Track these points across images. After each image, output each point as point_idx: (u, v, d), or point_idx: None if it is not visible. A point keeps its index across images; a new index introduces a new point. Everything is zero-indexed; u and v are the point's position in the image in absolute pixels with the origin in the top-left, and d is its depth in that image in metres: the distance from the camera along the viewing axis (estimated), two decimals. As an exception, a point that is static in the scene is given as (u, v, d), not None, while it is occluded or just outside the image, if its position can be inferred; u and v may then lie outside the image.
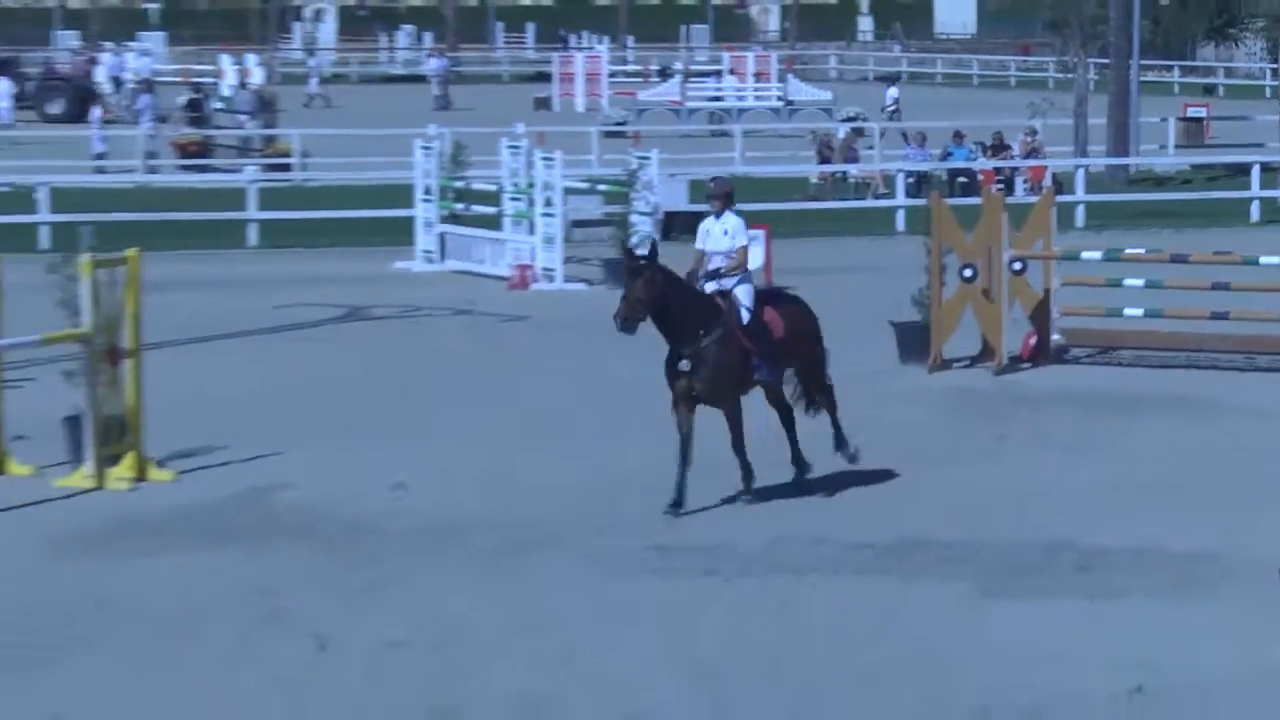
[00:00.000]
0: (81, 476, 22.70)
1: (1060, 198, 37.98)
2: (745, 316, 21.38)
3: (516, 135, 41.52)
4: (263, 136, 62.68)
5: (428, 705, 15.59)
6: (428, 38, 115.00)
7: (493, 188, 41.42)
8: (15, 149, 59.46)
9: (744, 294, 21.49)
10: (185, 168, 57.87)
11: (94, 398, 22.74)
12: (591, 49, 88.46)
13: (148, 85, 71.17)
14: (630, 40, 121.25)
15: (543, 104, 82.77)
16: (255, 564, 19.59)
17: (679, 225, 41.62)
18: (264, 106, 66.69)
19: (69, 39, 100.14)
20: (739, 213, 21.94)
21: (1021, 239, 30.00)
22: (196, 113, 65.78)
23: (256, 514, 21.55)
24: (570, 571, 19.45)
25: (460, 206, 41.93)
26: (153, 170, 56.99)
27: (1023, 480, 22.78)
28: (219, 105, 69.36)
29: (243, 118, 66.26)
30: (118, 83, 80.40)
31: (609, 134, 62.70)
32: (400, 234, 42.69)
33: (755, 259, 23.39)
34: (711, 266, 21.45)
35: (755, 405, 22.12)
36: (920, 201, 39.75)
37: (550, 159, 39.57)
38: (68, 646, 17.01)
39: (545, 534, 20.68)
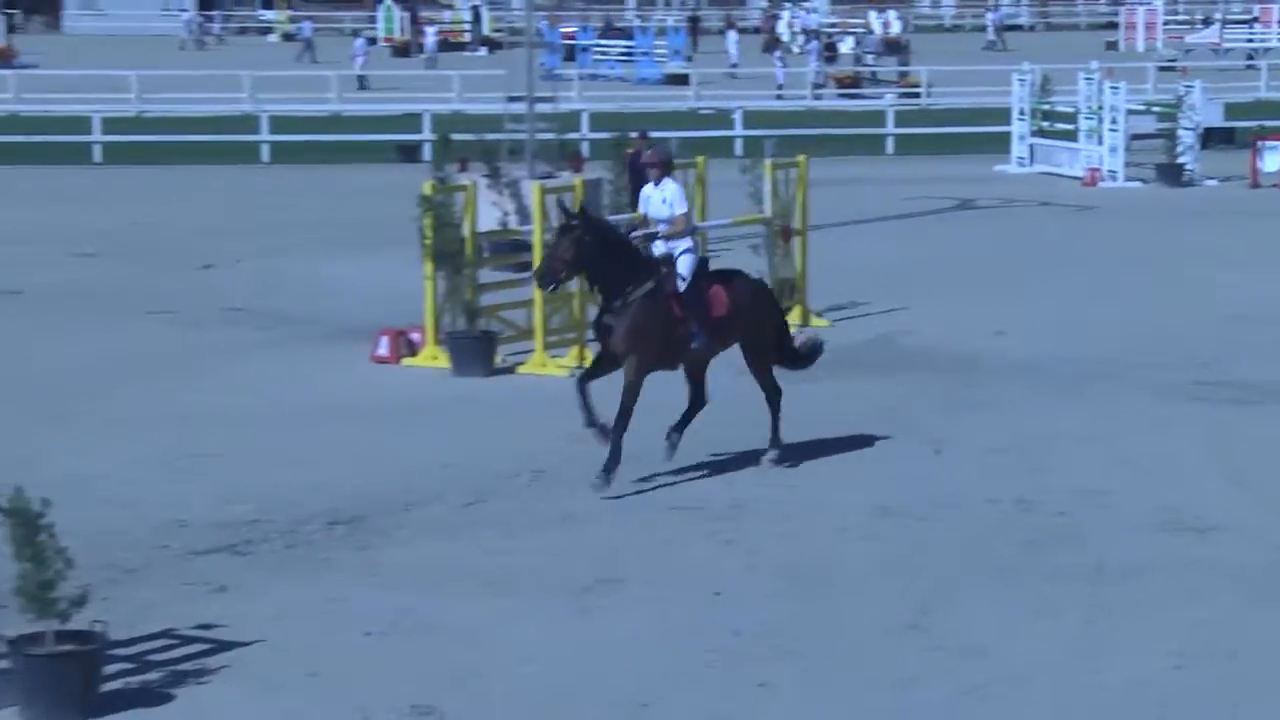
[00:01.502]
0: (763, 322, 23.05)
1: None
2: (681, 284, 15.90)
3: (1091, 70, 41.06)
4: (898, 72, 62.64)
5: (1015, 498, 15.51)
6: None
7: (1071, 109, 41.13)
8: (727, 82, 60.21)
9: (684, 264, 16.00)
10: (841, 95, 58.26)
11: (772, 265, 23.07)
12: (1149, 3, 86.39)
13: (815, 34, 71.60)
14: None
15: (1111, 46, 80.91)
16: (886, 388, 19.63)
17: (1216, 138, 41.55)
18: (892, 49, 67.11)
19: (758, 0, 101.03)
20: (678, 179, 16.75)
21: None
22: (831, 54, 66.44)
23: (887, 352, 21.60)
24: (1127, 396, 19.14)
25: (1046, 123, 41.82)
26: (818, 98, 57.48)
27: None
28: (854, 48, 69.46)
29: (869, 58, 66.70)
30: (796, 31, 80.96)
31: (1162, 69, 61.10)
32: (998, 144, 42.50)
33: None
34: (659, 238, 16.21)
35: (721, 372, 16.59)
36: None
37: (1116, 87, 39.37)
38: (766, 439, 17.29)
39: (1107, 368, 20.39)
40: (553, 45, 63.59)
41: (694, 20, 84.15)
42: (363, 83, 60.04)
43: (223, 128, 46.94)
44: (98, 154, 44.41)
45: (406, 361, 20.91)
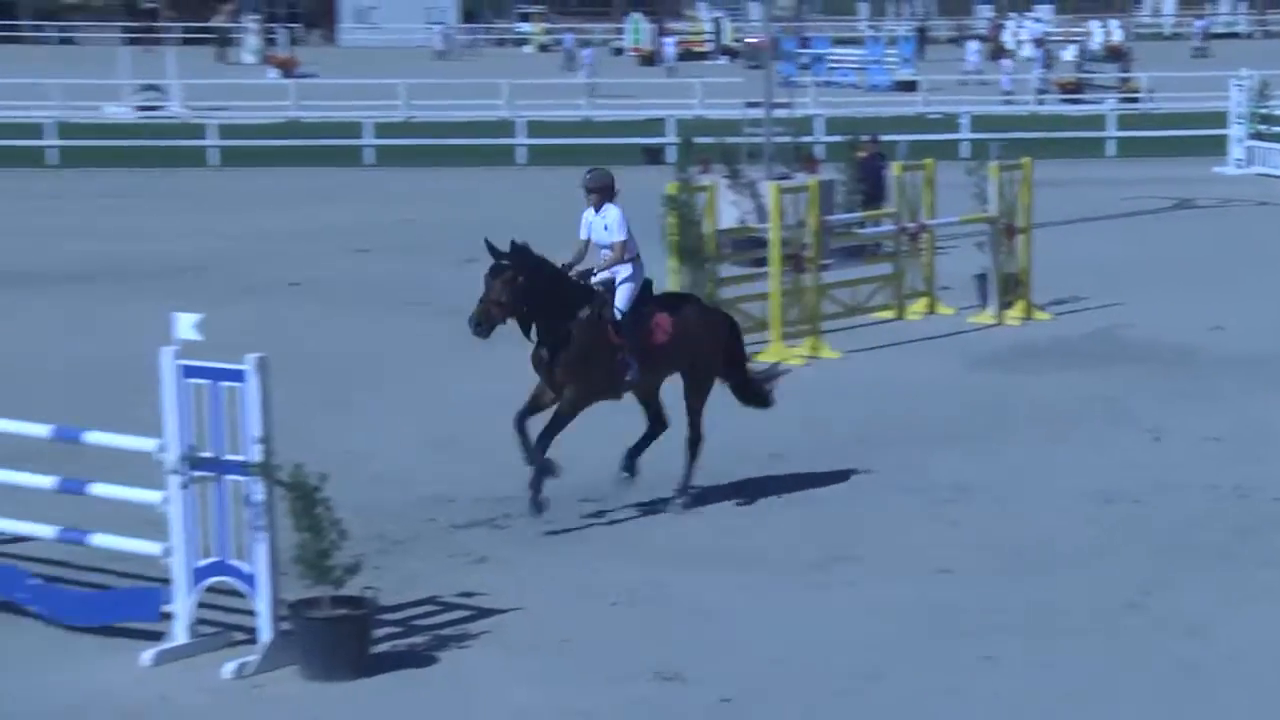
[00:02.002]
0: (987, 316, 22.82)
1: None
2: (617, 314, 14.32)
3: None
4: (1119, 78, 61.70)
5: (1232, 485, 15.22)
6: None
7: (1287, 113, 40.40)
8: (954, 88, 59.69)
9: (622, 293, 14.39)
10: (1064, 100, 57.55)
11: (996, 261, 22.86)
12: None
13: (1039, 42, 70.72)
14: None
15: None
16: (1105, 379, 19.35)
17: None
18: (1113, 56, 66.11)
19: (984, 10, 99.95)
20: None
21: None
22: (1053, 61, 65.68)
23: (1107, 345, 21.28)
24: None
25: (1264, 126, 40.94)
26: (1041, 103, 56.80)
27: None
28: (1076, 56, 68.45)
29: (1093, 65, 65.73)
30: (1022, 39, 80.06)
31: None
32: (1216, 147, 41.69)
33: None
34: (596, 270, 14.54)
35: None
36: None
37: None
38: (991, 427, 17.17)
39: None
40: (790, 54, 63.47)
41: (922, 30, 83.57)
42: (589, 90, 60.18)
43: (482, 132, 47.46)
44: (369, 156, 45.11)
45: (652, 350, 20.98)
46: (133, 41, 76.97)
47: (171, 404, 11.07)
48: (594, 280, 14.41)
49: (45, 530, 12.00)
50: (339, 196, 37.87)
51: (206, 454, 11.02)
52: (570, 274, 14.32)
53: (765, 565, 13.14)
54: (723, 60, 75.51)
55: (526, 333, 14.08)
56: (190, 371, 11.06)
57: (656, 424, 14.81)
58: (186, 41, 79.83)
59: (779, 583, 12.74)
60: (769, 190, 21.85)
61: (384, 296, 24.64)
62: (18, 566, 12.23)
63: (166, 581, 11.28)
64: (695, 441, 14.72)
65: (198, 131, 46.14)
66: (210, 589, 11.23)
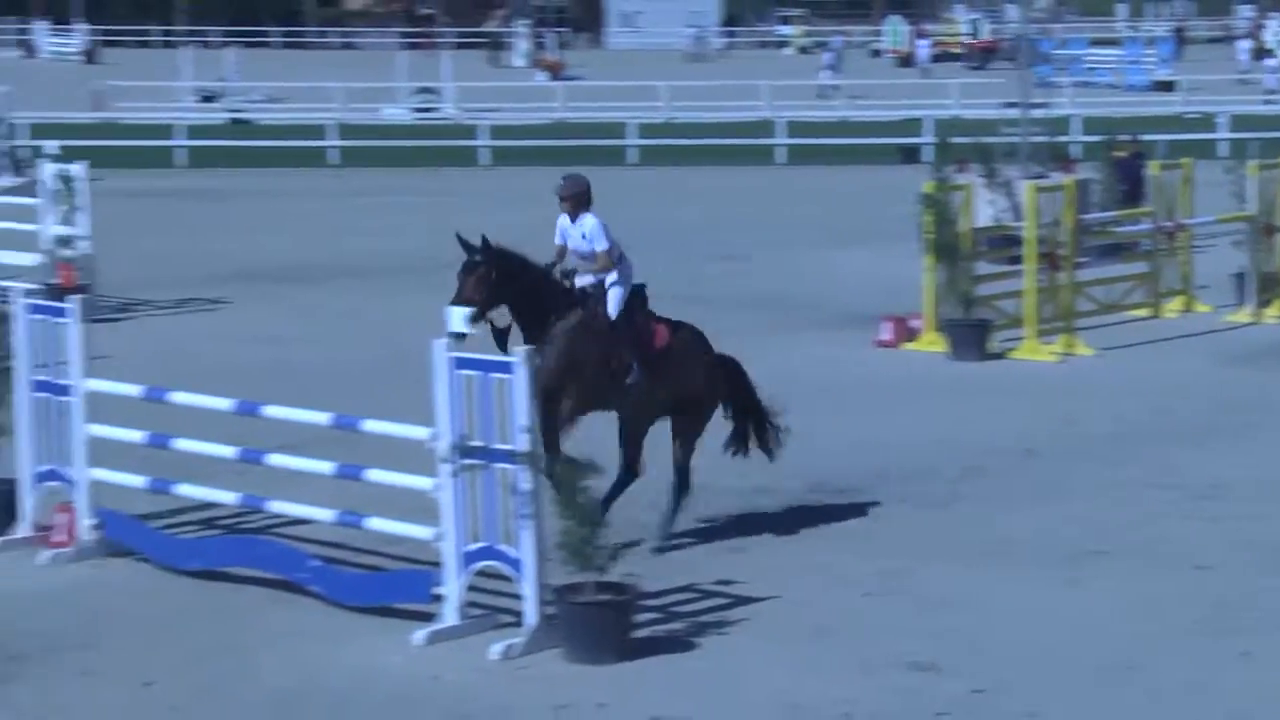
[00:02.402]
0: (1244, 315, 22.33)
1: None
2: (614, 311, 13.15)
3: None
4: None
5: None
6: None
7: None
8: (1212, 87, 58.49)
9: (613, 296, 13.19)
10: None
11: (1254, 260, 22.36)
12: None
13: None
14: None
15: None
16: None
17: None
18: None
19: (1245, 10, 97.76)
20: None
21: None
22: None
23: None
24: None
25: None
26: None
27: None
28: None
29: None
30: None
31: None
32: None
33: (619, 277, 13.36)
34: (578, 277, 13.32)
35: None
36: None
37: None
38: (1247, 424, 16.79)
39: None
40: (1046, 54, 62.58)
41: (1180, 30, 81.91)
42: (826, 92, 59.76)
43: (742, 132, 47.48)
44: (633, 156, 45.38)
45: (906, 346, 20.85)
46: (410, 46, 78.28)
47: (443, 395, 11.22)
48: (580, 284, 13.20)
49: (324, 514, 12.23)
50: (603, 194, 38.06)
51: (476, 443, 11.15)
52: (555, 272, 13.16)
53: (1017, 558, 12.96)
54: (1008, 62, 74.78)
55: (502, 344, 12.60)
56: (461, 363, 11.19)
57: (631, 468, 13.34)
58: (460, 46, 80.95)
59: (1031, 575, 12.55)
60: (1025, 189, 21.60)
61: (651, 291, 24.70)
62: (299, 548, 12.49)
63: (437, 565, 11.43)
64: (683, 483, 13.35)
65: (469, 132, 46.77)
66: (478, 573, 11.36)
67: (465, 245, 12.74)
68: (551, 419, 12.58)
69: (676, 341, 13.39)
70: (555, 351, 12.73)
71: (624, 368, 13.04)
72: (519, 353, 11.00)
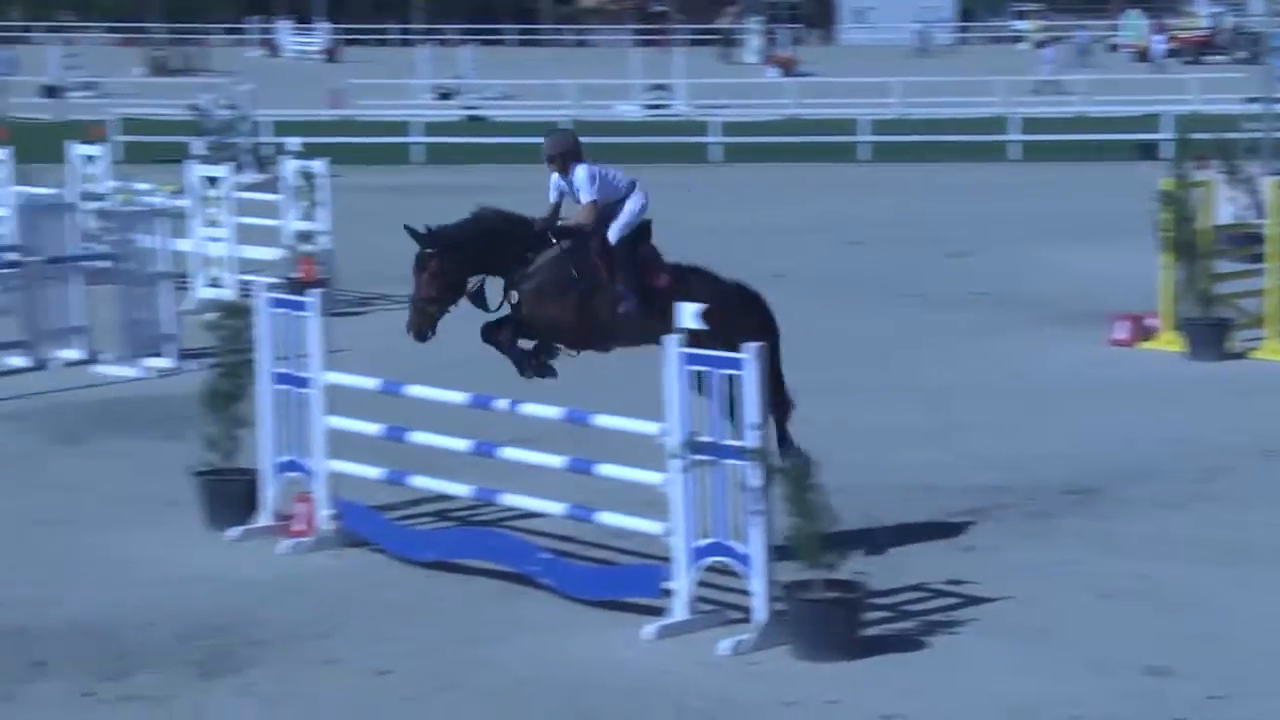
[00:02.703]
0: None
1: None
2: (614, 235, 12.38)
3: None
4: None
5: None
6: None
7: None
8: None
9: (619, 221, 12.45)
10: None
11: None
12: None
13: None
14: None
15: None
16: None
17: None
18: None
19: None
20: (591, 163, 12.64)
21: None
22: None
23: None
24: None
25: None
26: None
27: None
28: None
29: None
30: None
31: None
32: None
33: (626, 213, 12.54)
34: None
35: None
36: None
37: None
38: None
39: None
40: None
41: None
42: (1044, 88, 58.81)
43: (974, 128, 47.04)
44: (864, 152, 45.19)
45: (1142, 345, 20.50)
46: (644, 43, 78.64)
47: (674, 390, 11.23)
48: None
49: (555, 507, 12.31)
50: (834, 191, 37.99)
51: (706, 439, 11.15)
52: (536, 223, 12.42)
53: (1258, 560, 12.66)
54: (1221, 56, 73.19)
55: (480, 303, 12.24)
56: (691, 359, 11.20)
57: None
58: (693, 43, 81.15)
59: (1273, 579, 12.26)
60: (1268, 186, 21.11)
61: (876, 287, 24.63)
62: (531, 541, 12.59)
63: (666, 559, 11.45)
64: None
65: (701, 129, 46.86)
66: (707, 568, 11.36)
67: (414, 235, 12.16)
68: (537, 346, 12.14)
69: (679, 281, 12.41)
70: (535, 281, 12.13)
71: (616, 296, 12.26)
72: (749, 350, 10.98)
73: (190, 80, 58.33)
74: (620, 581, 11.86)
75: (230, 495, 13.43)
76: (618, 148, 45.03)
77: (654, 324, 11.84)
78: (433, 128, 47.75)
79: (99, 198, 25.07)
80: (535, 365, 12.43)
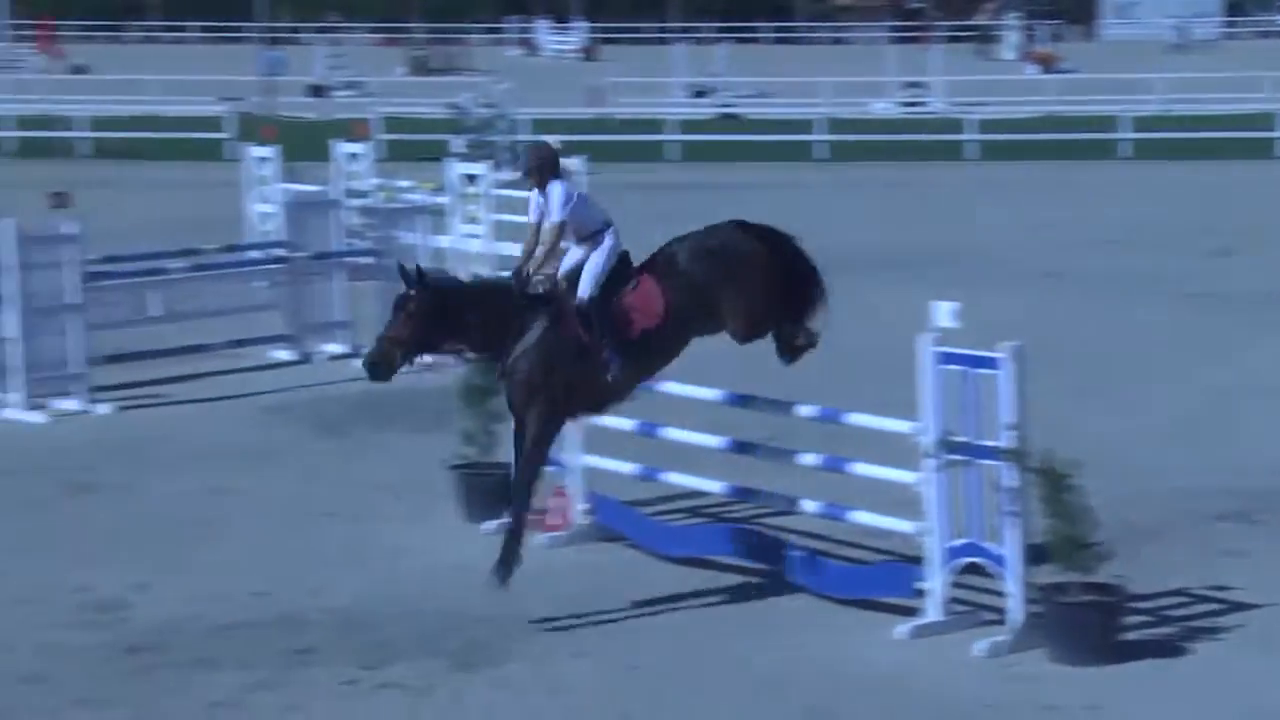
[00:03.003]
0: None
1: None
2: (585, 291, 11.59)
3: None
4: None
5: None
6: None
7: None
8: None
9: (587, 275, 11.61)
10: None
11: None
12: None
13: None
14: None
15: None
16: None
17: None
18: None
19: None
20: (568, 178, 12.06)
21: None
22: None
23: None
24: None
25: None
26: None
27: None
28: None
29: None
30: None
31: None
32: None
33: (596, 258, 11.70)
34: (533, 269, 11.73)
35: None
36: None
37: None
38: None
39: None
40: None
41: None
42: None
43: (1240, 125, 46.02)
44: (1125, 150, 44.45)
45: None
46: (900, 40, 78.13)
47: (928, 389, 11.13)
48: (560, 273, 11.75)
49: (808, 505, 12.27)
50: (1092, 189, 37.41)
51: (961, 438, 11.03)
52: (522, 277, 11.67)
53: None
54: None
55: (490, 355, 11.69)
56: (946, 358, 11.09)
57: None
58: (951, 40, 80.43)
59: None
60: None
61: (1139, 287, 24.19)
62: (783, 538, 12.57)
63: (919, 559, 11.35)
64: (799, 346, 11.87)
65: (957, 126, 46.44)
66: (961, 569, 11.24)
67: (403, 275, 11.50)
68: (522, 439, 11.56)
69: (679, 287, 11.63)
70: (521, 373, 11.45)
71: (603, 364, 11.59)
72: (1005, 348, 10.84)
73: (450, 79, 59.18)
74: (873, 580, 11.78)
75: (486, 489, 13.58)
76: (872, 145, 44.89)
77: (643, 371, 11.78)
78: (687, 125, 47.93)
79: (362, 195, 25.54)
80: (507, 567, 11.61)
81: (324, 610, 11.82)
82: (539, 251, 11.68)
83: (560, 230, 11.67)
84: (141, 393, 18.62)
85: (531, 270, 11.65)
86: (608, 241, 11.72)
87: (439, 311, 11.41)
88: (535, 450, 11.54)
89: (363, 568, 12.76)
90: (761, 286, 11.84)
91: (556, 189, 11.74)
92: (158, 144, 46.00)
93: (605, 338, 11.51)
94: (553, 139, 27.23)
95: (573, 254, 11.77)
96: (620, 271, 11.70)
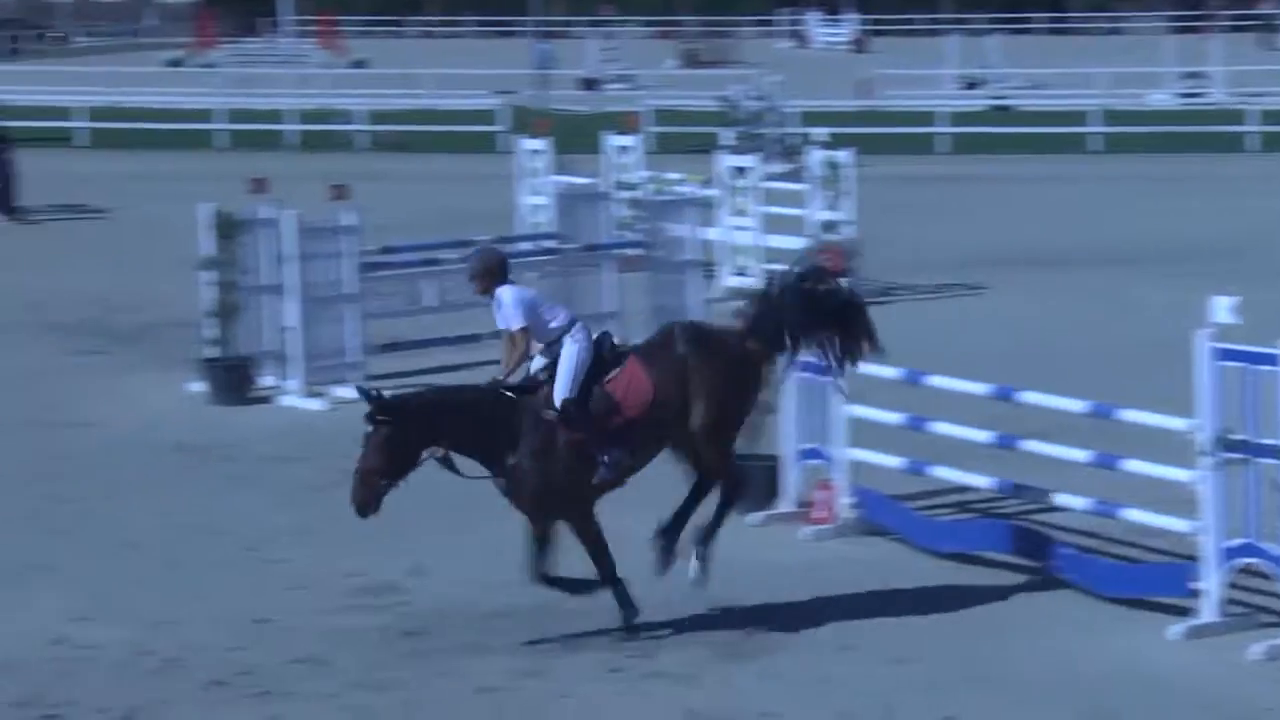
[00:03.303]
0: None
1: None
2: (562, 391, 11.11)
3: None
4: None
5: None
6: None
7: None
8: None
9: (562, 375, 11.14)
10: None
11: None
12: None
13: None
14: None
15: None
16: None
17: None
18: None
19: None
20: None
21: None
22: None
23: None
24: None
25: None
26: None
27: None
28: None
29: None
30: None
31: None
32: None
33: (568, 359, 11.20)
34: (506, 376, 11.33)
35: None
36: None
37: None
38: None
39: None
40: None
41: None
42: None
43: None
44: None
45: None
46: (1179, 30, 76.56)
47: (1205, 385, 10.91)
48: (533, 370, 11.37)
49: (1078, 502, 12.11)
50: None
51: (1239, 436, 10.79)
52: (503, 380, 11.31)
53: None
54: None
55: (450, 467, 11.25)
56: (1225, 354, 10.86)
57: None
58: (1233, 29, 78.57)
59: None
60: None
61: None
62: (1053, 535, 12.42)
63: (1194, 559, 11.14)
64: (731, 492, 11.66)
65: (1238, 118, 45.38)
66: (1238, 569, 11.00)
67: (365, 397, 11.08)
68: (592, 544, 11.38)
69: (665, 378, 11.29)
70: (529, 486, 11.15)
71: (595, 463, 11.21)
72: (1287, 344, 10.58)
73: (721, 72, 59.29)
74: (1146, 580, 11.59)
75: (754, 481, 13.57)
76: (1149, 137, 44.04)
77: (638, 460, 11.38)
78: (958, 117, 47.44)
79: (632, 187, 25.72)
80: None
81: (588, 599, 11.92)
82: (510, 359, 11.31)
83: (525, 336, 11.29)
84: (415, 381, 18.95)
85: (503, 379, 11.32)
86: (578, 338, 11.28)
87: (408, 433, 11.01)
88: (584, 539, 11.35)
89: (624, 558, 12.83)
90: (749, 389, 11.55)
91: (507, 293, 11.34)
92: (432, 137, 46.76)
93: (588, 437, 11.14)
94: (822, 131, 27.16)
95: (539, 360, 11.40)
96: (600, 363, 11.33)
